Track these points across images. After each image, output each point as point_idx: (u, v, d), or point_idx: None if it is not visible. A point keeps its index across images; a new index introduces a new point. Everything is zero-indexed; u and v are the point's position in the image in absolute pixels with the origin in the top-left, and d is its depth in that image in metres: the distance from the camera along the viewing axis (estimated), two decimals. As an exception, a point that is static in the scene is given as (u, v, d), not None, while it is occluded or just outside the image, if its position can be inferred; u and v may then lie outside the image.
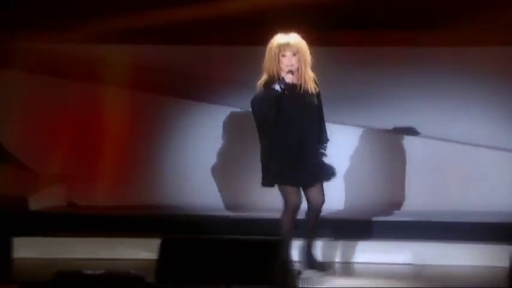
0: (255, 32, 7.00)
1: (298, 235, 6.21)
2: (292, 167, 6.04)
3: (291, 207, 6.09)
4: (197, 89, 7.71)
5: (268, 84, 6.02)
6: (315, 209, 6.14)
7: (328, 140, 6.19)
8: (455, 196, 7.35)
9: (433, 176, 7.44)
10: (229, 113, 7.66)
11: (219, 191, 7.60)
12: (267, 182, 6.08)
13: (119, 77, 7.75)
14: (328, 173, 6.12)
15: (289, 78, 6.00)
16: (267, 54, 6.07)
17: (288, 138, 6.03)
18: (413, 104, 7.44)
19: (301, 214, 6.15)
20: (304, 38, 6.08)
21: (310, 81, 6.07)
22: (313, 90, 6.08)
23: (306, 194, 6.13)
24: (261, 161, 6.10)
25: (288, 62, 6.01)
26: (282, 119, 6.02)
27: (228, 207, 7.53)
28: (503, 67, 7.38)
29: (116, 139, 7.81)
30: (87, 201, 7.68)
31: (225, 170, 7.62)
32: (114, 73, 7.74)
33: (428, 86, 7.44)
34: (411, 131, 7.43)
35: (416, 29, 7.31)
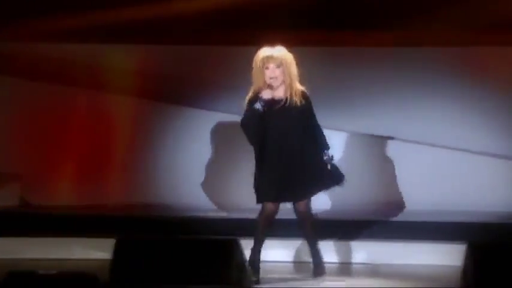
0: (243, 32, 7.03)
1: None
2: (275, 184, 6.02)
3: (265, 214, 6.11)
4: (183, 92, 7.67)
5: (252, 101, 6.01)
6: (299, 217, 6.15)
7: (328, 148, 6.12)
8: (413, 196, 7.38)
9: (390, 175, 7.47)
10: (216, 117, 7.63)
11: (204, 192, 7.57)
12: (257, 198, 6.07)
13: (89, 77, 7.72)
14: (313, 188, 6.10)
15: (267, 94, 5.98)
16: (253, 67, 6.05)
17: (273, 156, 6.01)
18: (387, 107, 7.47)
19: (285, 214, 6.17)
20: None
21: (297, 94, 6.02)
22: (299, 103, 6.00)
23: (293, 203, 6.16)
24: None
25: (271, 74, 5.98)
26: (268, 136, 6.01)
27: (212, 208, 7.50)
28: (498, 68, 7.43)
29: (77, 139, 7.75)
30: (41, 201, 7.61)
31: (210, 171, 7.59)
32: (85, 73, 7.71)
33: (408, 88, 7.47)
34: (381, 133, 7.47)
35: (401, 30, 7.33)
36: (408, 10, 7.25)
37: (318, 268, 6.22)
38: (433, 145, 7.46)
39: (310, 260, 6.28)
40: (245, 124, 6.02)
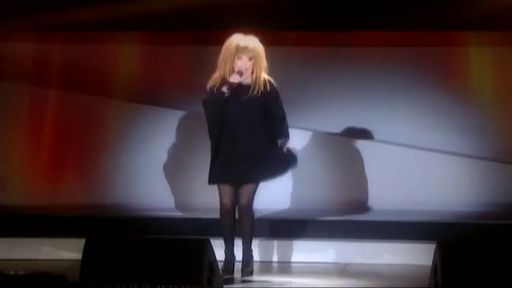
0: (209, 31, 7.01)
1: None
2: (225, 166, 6.07)
3: (221, 209, 6.15)
4: (154, 93, 7.64)
5: (219, 84, 6.04)
6: (239, 211, 6.17)
7: (286, 136, 6.13)
8: (383, 195, 7.40)
9: (360, 175, 7.49)
10: (179, 115, 7.61)
11: (176, 191, 7.55)
12: (209, 179, 6.14)
13: (58, 77, 7.68)
14: (261, 173, 6.11)
15: (235, 79, 6.00)
16: (223, 52, 6.07)
17: (228, 140, 6.05)
18: (354, 107, 7.48)
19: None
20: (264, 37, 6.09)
21: (262, 84, 6.06)
22: (264, 93, 6.04)
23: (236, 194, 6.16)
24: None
25: (242, 65, 6.02)
26: (226, 120, 6.05)
27: (173, 207, 7.48)
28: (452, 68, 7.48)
29: (46, 140, 7.71)
30: (10, 201, 7.56)
31: (173, 171, 7.57)
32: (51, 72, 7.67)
33: (374, 88, 7.47)
34: (348, 133, 7.48)
35: (370, 30, 7.35)
36: (375, 11, 7.27)
37: (247, 266, 6.21)
38: (403, 145, 7.48)
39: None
40: (209, 105, 6.06)
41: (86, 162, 7.67)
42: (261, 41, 6.10)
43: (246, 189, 6.11)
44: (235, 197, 6.13)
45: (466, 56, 7.52)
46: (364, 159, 7.45)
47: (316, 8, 7.27)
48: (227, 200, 6.13)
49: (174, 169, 7.55)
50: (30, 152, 7.71)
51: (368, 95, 7.47)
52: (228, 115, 6.06)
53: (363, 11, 7.22)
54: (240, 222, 6.19)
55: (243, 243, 6.22)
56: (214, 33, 6.97)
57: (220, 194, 6.14)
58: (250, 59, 6.03)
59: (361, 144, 7.49)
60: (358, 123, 7.48)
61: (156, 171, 7.55)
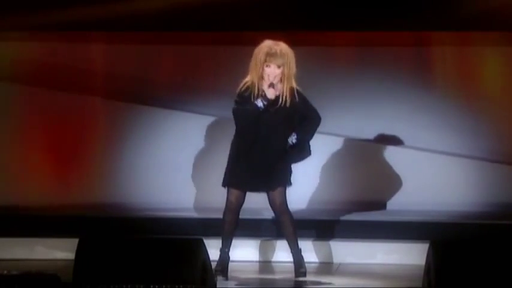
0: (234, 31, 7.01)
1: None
2: (254, 172, 6.07)
3: (227, 208, 6.13)
4: (148, 93, 7.64)
5: (250, 93, 6.01)
6: (275, 212, 6.17)
7: (300, 139, 6.12)
8: (376, 195, 7.40)
9: (352, 175, 7.49)
10: (178, 116, 7.61)
11: (170, 191, 7.53)
12: (228, 182, 6.12)
13: (56, 77, 7.68)
14: (285, 178, 6.13)
15: (271, 94, 6.00)
16: (253, 58, 6.04)
17: (258, 148, 6.06)
18: (349, 107, 7.47)
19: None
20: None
21: (290, 94, 6.04)
22: (291, 102, 6.03)
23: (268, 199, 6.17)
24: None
25: (271, 73, 6.00)
26: (257, 130, 6.04)
27: (177, 207, 7.48)
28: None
29: (40, 139, 7.70)
30: (3, 201, 7.55)
31: (176, 172, 7.56)
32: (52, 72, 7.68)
33: (371, 88, 7.47)
34: (341, 133, 7.49)
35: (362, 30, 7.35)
36: (369, 11, 7.27)
37: (299, 267, 6.19)
38: (396, 145, 7.49)
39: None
40: (239, 118, 6.03)
41: (80, 162, 7.66)
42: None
43: (277, 192, 6.10)
44: (244, 199, 6.12)
45: (466, 56, 7.52)
46: (357, 160, 7.46)
47: (325, 8, 7.24)
48: (234, 199, 6.10)
49: (168, 170, 7.54)
50: (24, 152, 7.69)
51: (363, 95, 7.48)
52: (259, 125, 6.04)
53: (354, 11, 7.21)
54: (280, 224, 6.19)
55: (289, 245, 6.19)
56: (216, 33, 6.96)
57: (228, 192, 6.12)
58: (278, 66, 6.01)
59: (355, 144, 7.49)
60: (351, 123, 7.48)
61: (150, 171, 7.55)
